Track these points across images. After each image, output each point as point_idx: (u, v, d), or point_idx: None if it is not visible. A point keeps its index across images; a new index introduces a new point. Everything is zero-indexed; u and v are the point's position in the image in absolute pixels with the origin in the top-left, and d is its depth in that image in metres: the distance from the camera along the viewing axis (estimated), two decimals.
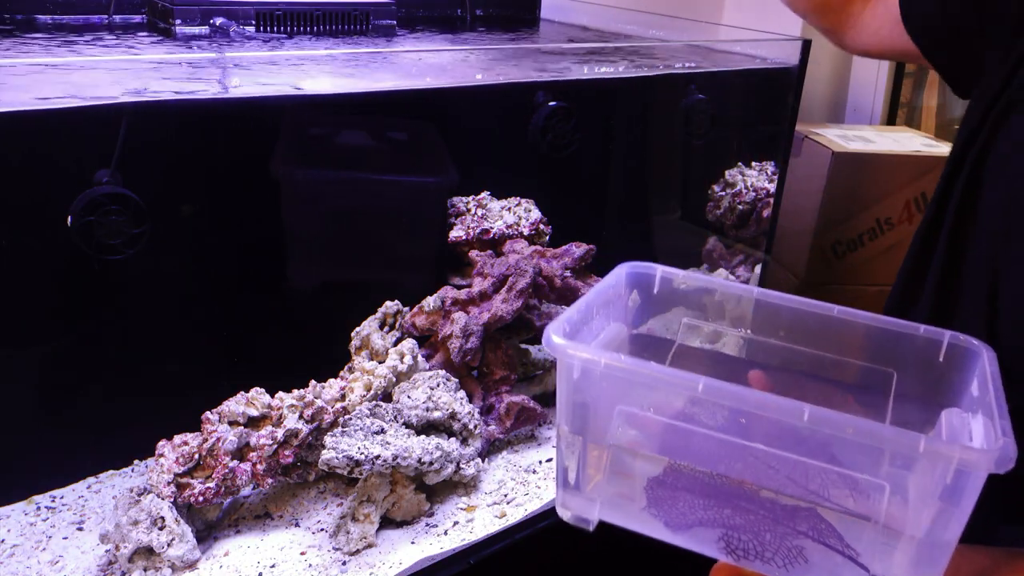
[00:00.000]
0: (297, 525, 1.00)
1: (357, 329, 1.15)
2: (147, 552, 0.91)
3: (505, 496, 1.07)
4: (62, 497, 1.05)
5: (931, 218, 0.89)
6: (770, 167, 1.57)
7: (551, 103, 1.31)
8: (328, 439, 0.95)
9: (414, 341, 1.13)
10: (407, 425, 1.02)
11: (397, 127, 1.24)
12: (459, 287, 1.22)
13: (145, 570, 0.90)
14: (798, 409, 0.49)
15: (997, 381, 0.58)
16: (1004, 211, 0.79)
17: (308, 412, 1.00)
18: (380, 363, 1.09)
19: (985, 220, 0.83)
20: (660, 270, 0.73)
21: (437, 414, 1.04)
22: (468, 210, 1.32)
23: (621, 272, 0.71)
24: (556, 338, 0.56)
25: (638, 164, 1.37)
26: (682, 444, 0.57)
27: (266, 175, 1.13)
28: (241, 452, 0.98)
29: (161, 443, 0.96)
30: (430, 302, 1.18)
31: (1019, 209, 0.78)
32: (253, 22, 1.09)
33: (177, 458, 0.94)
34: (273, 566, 0.93)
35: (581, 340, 0.62)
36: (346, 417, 0.99)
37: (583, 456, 0.59)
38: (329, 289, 1.26)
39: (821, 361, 0.71)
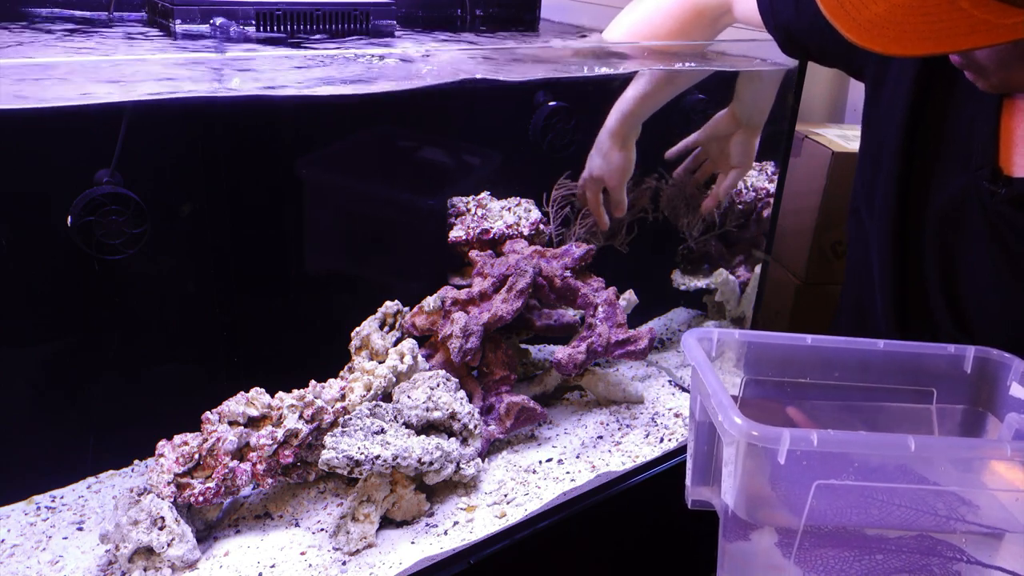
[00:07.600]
0: (297, 525, 1.00)
1: (357, 329, 1.15)
2: (147, 552, 0.91)
3: (505, 496, 1.07)
4: (62, 497, 1.05)
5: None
6: (770, 167, 1.57)
7: (551, 103, 1.31)
8: (328, 439, 0.95)
9: (414, 341, 1.13)
10: (407, 425, 1.02)
11: (406, 137, 1.25)
12: (459, 287, 1.22)
13: (145, 570, 0.90)
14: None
15: None
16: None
17: (308, 412, 1.00)
18: (380, 363, 1.09)
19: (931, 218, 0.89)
20: (717, 333, 0.82)
21: (437, 414, 1.04)
22: (468, 210, 1.32)
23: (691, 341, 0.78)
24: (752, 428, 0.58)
25: (638, 164, 1.37)
26: (861, 505, 0.59)
27: (266, 175, 1.14)
28: (241, 452, 0.98)
29: (161, 443, 0.96)
30: (430, 302, 1.18)
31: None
32: (253, 22, 1.09)
33: (177, 458, 0.94)
34: (273, 566, 0.93)
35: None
36: (346, 417, 0.99)
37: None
38: (329, 289, 1.26)
39: (874, 392, 0.78)
